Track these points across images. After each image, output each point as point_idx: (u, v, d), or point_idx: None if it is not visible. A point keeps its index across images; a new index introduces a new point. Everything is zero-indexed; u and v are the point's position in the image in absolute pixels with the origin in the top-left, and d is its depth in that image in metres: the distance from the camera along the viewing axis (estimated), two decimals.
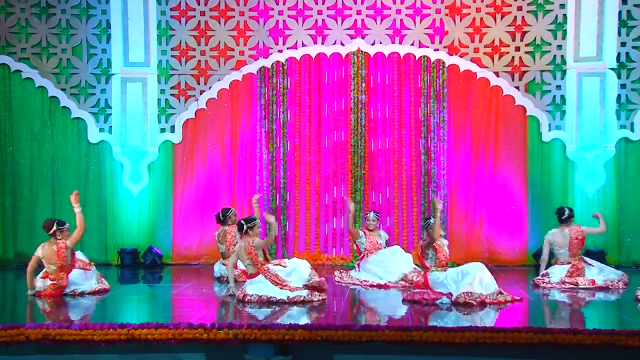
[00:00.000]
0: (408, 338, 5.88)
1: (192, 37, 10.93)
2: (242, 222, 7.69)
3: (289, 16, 10.88)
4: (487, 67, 10.67)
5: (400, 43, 10.79)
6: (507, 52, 10.65)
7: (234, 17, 10.92)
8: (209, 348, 6.08)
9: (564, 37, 10.55)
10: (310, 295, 7.35)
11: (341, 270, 9.43)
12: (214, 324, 6.00)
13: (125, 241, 10.73)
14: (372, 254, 9.07)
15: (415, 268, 8.72)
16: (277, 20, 10.89)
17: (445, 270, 7.50)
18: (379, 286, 8.54)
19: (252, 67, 10.90)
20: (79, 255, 8.19)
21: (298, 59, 10.88)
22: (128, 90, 10.89)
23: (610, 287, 8.27)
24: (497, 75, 10.65)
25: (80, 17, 10.88)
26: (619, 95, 10.40)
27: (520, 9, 10.62)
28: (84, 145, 10.93)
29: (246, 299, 7.39)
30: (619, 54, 10.37)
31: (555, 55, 10.58)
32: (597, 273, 8.46)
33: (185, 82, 10.95)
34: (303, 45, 10.88)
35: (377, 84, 10.88)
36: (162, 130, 10.95)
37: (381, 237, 9.30)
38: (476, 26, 10.71)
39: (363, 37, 10.83)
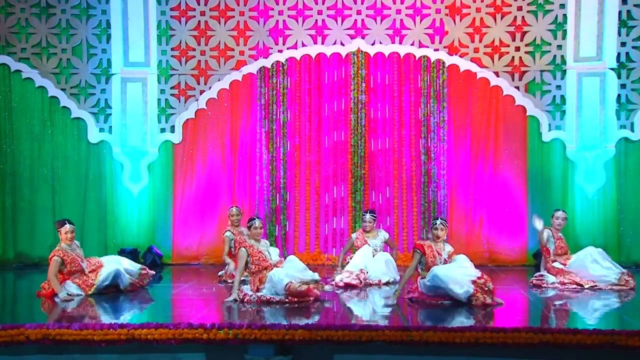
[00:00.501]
0: (408, 338, 5.87)
1: (192, 37, 10.93)
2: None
3: (289, 16, 10.88)
4: (487, 67, 10.67)
5: (400, 43, 10.79)
6: (507, 52, 10.66)
7: (234, 17, 10.92)
8: (209, 348, 6.07)
9: (564, 37, 10.55)
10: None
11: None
12: (214, 324, 6.00)
13: (125, 241, 10.73)
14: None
15: None
16: (277, 20, 10.89)
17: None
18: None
19: (252, 67, 10.90)
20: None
21: (298, 59, 10.88)
22: (128, 90, 10.89)
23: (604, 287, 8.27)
24: (497, 75, 10.65)
25: (80, 17, 10.88)
26: (619, 95, 10.40)
27: (520, 9, 10.63)
28: (84, 145, 10.93)
29: (245, 299, 7.40)
30: (619, 54, 10.38)
31: (555, 55, 10.58)
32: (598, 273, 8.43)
33: (185, 82, 10.95)
34: (303, 45, 10.88)
35: (377, 84, 10.88)
36: (162, 130, 10.95)
37: (377, 239, 9.14)
38: (476, 26, 10.71)
39: (363, 37, 10.83)
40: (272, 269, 7.52)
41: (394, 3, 10.79)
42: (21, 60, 10.82)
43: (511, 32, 10.66)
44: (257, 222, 7.77)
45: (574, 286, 8.33)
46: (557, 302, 7.75)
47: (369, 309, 7.49)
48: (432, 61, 10.72)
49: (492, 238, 10.63)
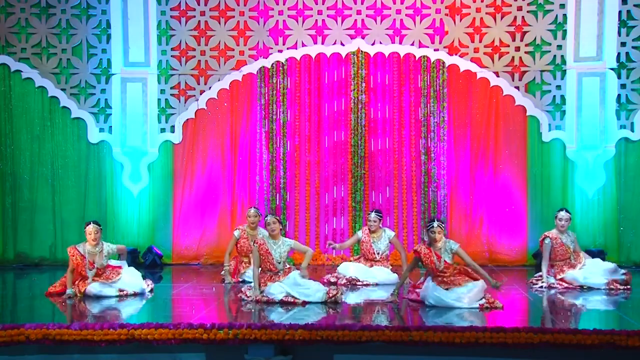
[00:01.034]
0: (408, 338, 5.88)
1: (192, 37, 10.93)
2: None
3: (289, 16, 10.88)
4: (487, 67, 10.67)
5: (400, 43, 10.79)
6: (507, 52, 10.65)
7: (234, 17, 10.91)
8: (209, 348, 6.07)
9: (564, 37, 10.55)
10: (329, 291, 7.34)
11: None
12: (214, 324, 6.00)
13: (125, 241, 10.68)
14: (367, 260, 8.94)
15: None
16: (277, 20, 10.89)
17: (435, 283, 7.23)
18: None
19: (252, 67, 10.90)
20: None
21: (298, 59, 10.88)
22: (128, 90, 10.89)
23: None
24: (497, 75, 10.65)
25: (80, 17, 10.88)
26: (619, 95, 10.40)
27: (520, 9, 10.62)
28: (84, 145, 10.93)
29: (245, 297, 7.42)
30: (619, 54, 10.37)
31: (555, 55, 10.58)
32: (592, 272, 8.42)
33: (185, 82, 10.95)
34: (303, 45, 10.88)
35: (377, 84, 10.88)
36: (162, 130, 10.95)
37: (382, 240, 8.97)
38: (476, 26, 10.71)
39: (363, 37, 10.83)
40: (278, 275, 7.46)
41: (394, 3, 10.79)
42: (21, 60, 10.83)
43: (511, 32, 10.66)
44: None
45: (572, 286, 8.34)
46: (559, 302, 7.75)
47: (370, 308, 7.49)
48: (432, 61, 10.71)
49: (492, 238, 10.63)
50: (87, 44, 10.89)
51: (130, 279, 7.97)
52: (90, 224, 7.87)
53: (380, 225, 9.09)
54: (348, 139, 10.84)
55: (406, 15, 10.78)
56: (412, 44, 10.76)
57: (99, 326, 6.04)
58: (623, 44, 10.38)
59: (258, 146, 10.92)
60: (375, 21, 10.82)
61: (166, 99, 10.95)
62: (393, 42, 10.81)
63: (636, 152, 10.42)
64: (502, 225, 10.63)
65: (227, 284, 8.76)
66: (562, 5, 10.52)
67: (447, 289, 7.11)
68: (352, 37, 10.85)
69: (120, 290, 7.80)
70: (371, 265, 8.88)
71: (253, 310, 7.08)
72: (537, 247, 10.46)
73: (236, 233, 9.09)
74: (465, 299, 7.02)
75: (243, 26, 10.93)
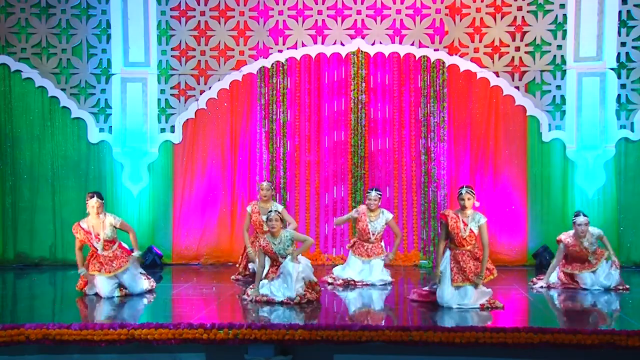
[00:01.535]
0: (408, 338, 5.88)
1: (192, 37, 10.93)
2: None
3: (289, 16, 10.88)
4: (487, 67, 10.67)
5: (400, 43, 10.79)
6: (507, 52, 10.65)
7: (234, 17, 10.91)
8: (209, 348, 6.08)
9: (564, 37, 10.55)
10: (305, 296, 7.32)
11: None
12: (214, 324, 6.00)
13: (125, 241, 10.69)
14: (361, 240, 8.88)
15: None
16: (277, 20, 10.89)
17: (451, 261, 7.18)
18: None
19: (252, 67, 10.90)
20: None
21: (298, 59, 10.88)
22: (128, 90, 10.89)
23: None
24: (497, 75, 10.65)
25: (80, 17, 10.88)
26: (619, 95, 10.40)
27: (520, 9, 10.62)
28: (84, 145, 10.92)
29: (246, 297, 7.43)
30: (619, 54, 10.37)
31: (555, 55, 10.58)
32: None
33: (185, 82, 10.95)
34: (303, 45, 10.88)
35: (377, 84, 10.88)
36: (162, 130, 10.95)
37: (379, 221, 8.82)
38: (476, 26, 10.71)
39: (363, 37, 10.83)
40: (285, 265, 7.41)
41: (394, 3, 10.79)
42: (21, 60, 10.82)
43: (511, 32, 10.66)
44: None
45: (573, 285, 8.34)
46: (562, 302, 7.75)
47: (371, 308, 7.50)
48: (432, 61, 10.71)
49: (492, 238, 10.58)
50: (87, 44, 10.89)
51: (133, 281, 7.96)
52: (93, 197, 7.84)
53: (380, 204, 8.96)
54: (348, 139, 10.84)
55: (406, 15, 10.78)
56: (412, 44, 10.76)
57: (99, 326, 6.05)
58: (623, 44, 10.38)
59: (258, 146, 10.92)
60: (375, 21, 10.82)
61: (166, 99, 10.95)
62: (393, 42, 10.81)
63: (636, 152, 10.42)
64: (502, 225, 10.63)
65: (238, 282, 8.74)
66: (562, 5, 10.52)
67: (457, 287, 7.08)
68: (352, 37, 10.85)
69: (121, 289, 7.81)
70: (367, 256, 8.79)
71: (251, 310, 7.09)
72: (537, 247, 10.50)
73: (249, 209, 9.04)
74: (471, 300, 7.06)
75: (243, 26, 10.93)
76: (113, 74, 10.90)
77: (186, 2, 10.91)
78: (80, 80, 10.88)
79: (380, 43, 10.81)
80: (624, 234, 10.35)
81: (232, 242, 10.86)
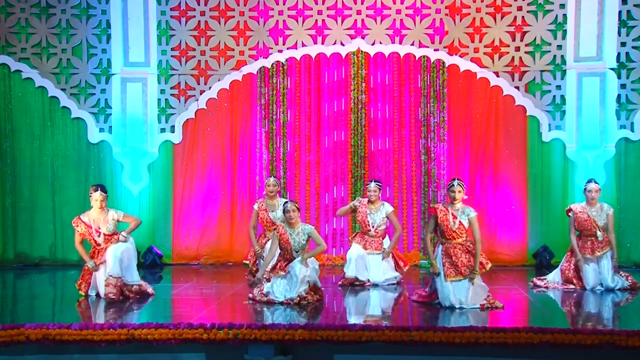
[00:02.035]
0: (408, 338, 5.88)
1: (192, 37, 10.93)
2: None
3: (289, 16, 10.88)
4: (487, 67, 10.67)
5: (400, 43, 10.79)
6: (507, 52, 10.65)
7: (234, 17, 10.92)
8: (209, 348, 6.07)
9: (564, 37, 10.55)
10: (305, 298, 7.30)
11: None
12: (214, 324, 6.00)
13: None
14: (362, 232, 8.82)
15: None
16: (277, 20, 10.89)
17: (442, 254, 7.15)
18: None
19: (252, 67, 10.90)
20: None
21: (298, 59, 10.88)
22: (128, 90, 10.89)
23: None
24: (497, 75, 10.65)
25: (80, 17, 10.88)
26: (619, 95, 10.40)
27: (520, 9, 10.62)
28: (84, 145, 10.92)
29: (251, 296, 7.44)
30: (619, 54, 10.37)
31: (555, 55, 10.58)
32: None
33: (185, 82, 10.95)
34: (303, 45, 10.88)
35: (377, 84, 10.87)
36: (162, 130, 10.95)
37: (379, 213, 8.77)
38: (476, 26, 10.71)
39: (363, 37, 10.83)
40: (294, 265, 7.36)
41: (394, 3, 10.79)
42: (21, 60, 10.82)
43: (511, 32, 10.66)
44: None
45: (572, 287, 8.32)
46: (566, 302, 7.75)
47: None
48: (432, 61, 10.71)
49: (492, 238, 10.62)
50: (87, 44, 10.89)
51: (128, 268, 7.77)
52: (97, 190, 7.76)
53: (380, 196, 8.91)
54: (348, 139, 10.84)
55: (406, 15, 10.78)
56: (412, 44, 10.77)
57: (99, 326, 6.05)
58: (623, 44, 10.38)
59: (258, 146, 10.92)
60: (375, 21, 10.82)
61: (166, 99, 10.95)
62: (393, 42, 10.81)
63: (636, 152, 10.42)
64: (502, 225, 10.63)
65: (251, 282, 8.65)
66: (562, 5, 10.53)
67: (453, 281, 7.04)
68: (352, 37, 10.85)
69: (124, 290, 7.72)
70: (364, 248, 8.72)
71: (252, 310, 7.09)
72: (537, 247, 10.50)
73: (255, 206, 8.94)
74: (469, 295, 7.01)
75: (243, 26, 10.93)
76: (113, 74, 10.90)
77: (186, 2, 10.91)
78: (80, 80, 10.88)
79: (380, 43, 10.81)
80: (624, 234, 10.34)
81: (232, 242, 10.87)
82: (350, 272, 8.62)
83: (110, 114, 10.90)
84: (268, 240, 8.55)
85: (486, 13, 10.68)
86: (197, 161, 10.93)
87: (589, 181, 8.49)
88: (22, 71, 10.82)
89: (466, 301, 7.00)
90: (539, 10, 10.60)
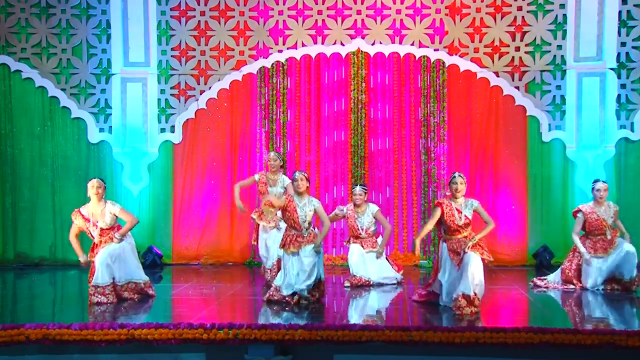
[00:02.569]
0: (408, 338, 5.88)
1: (192, 37, 10.93)
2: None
3: (289, 16, 10.88)
4: (487, 67, 10.67)
5: (400, 43, 10.79)
6: (507, 52, 10.66)
7: (234, 17, 10.92)
8: (209, 348, 6.08)
9: (564, 37, 10.55)
10: (307, 297, 7.29)
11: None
12: (214, 324, 6.00)
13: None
14: (354, 237, 8.83)
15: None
16: (277, 20, 10.89)
17: (448, 249, 7.07)
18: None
19: (252, 67, 10.90)
20: None
21: (298, 59, 10.88)
22: (128, 90, 10.89)
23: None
24: (497, 75, 10.65)
25: (80, 17, 10.88)
26: (619, 95, 10.41)
27: (520, 9, 10.63)
28: (84, 145, 10.93)
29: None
30: (619, 54, 10.38)
31: (555, 55, 10.58)
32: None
33: (185, 82, 10.95)
34: (303, 45, 10.88)
35: (377, 84, 10.88)
36: (162, 130, 10.96)
37: (366, 215, 8.80)
38: (476, 26, 10.71)
39: (363, 37, 10.83)
40: (302, 236, 7.36)
41: (394, 3, 10.79)
42: (21, 60, 10.83)
43: (511, 32, 10.66)
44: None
45: (572, 287, 8.32)
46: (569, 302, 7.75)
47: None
48: (432, 61, 10.71)
49: (492, 238, 10.59)
50: (87, 44, 10.89)
51: (129, 267, 7.67)
52: (93, 178, 7.72)
53: (365, 199, 8.91)
54: (348, 139, 10.84)
55: (406, 15, 10.78)
56: (412, 44, 10.77)
57: (99, 326, 6.04)
58: (623, 44, 10.38)
59: (258, 146, 10.92)
60: (375, 21, 10.82)
61: (166, 99, 10.95)
62: (393, 42, 10.81)
63: (636, 152, 10.42)
64: (502, 225, 10.62)
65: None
66: (562, 5, 10.53)
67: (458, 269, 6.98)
68: (352, 37, 10.85)
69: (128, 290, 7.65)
70: (362, 246, 8.73)
71: (253, 310, 7.09)
72: (537, 247, 10.49)
73: (256, 176, 8.93)
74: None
75: (243, 26, 10.93)
76: (113, 74, 10.90)
77: (186, 2, 10.92)
78: (80, 80, 10.89)
79: (380, 43, 10.81)
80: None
81: (232, 242, 10.87)
82: (356, 271, 8.62)
83: (110, 114, 10.90)
84: (261, 212, 8.56)
85: (486, 13, 10.69)
86: (197, 161, 10.93)
87: (596, 181, 8.52)
88: (22, 71, 10.82)
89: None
90: (539, 10, 10.60)
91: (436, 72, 10.71)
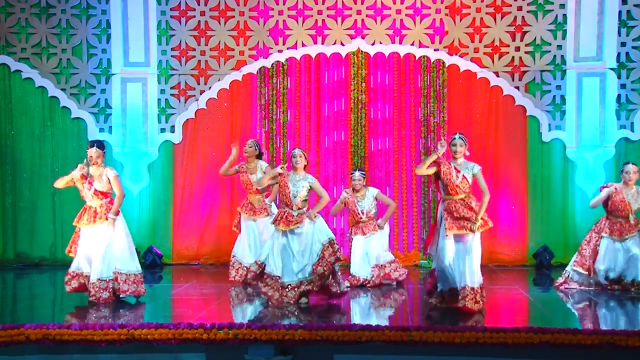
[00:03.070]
0: (408, 338, 5.88)
1: (192, 37, 10.93)
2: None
3: (289, 16, 10.88)
4: (487, 67, 10.67)
5: (400, 43, 10.79)
6: (507, 52, 10.65)
7: (234, 17, 10.92)
8: (209, 348, 6.08)
9: (564, 37, 10.55)
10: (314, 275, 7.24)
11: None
12: (214, 324, 6.00)
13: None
14: (356, 224, 8.78)
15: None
16: (277, 20, 10.89)
17: (445, 212, 6.95)
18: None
19: (252, 67, 10.90)
20: None
21: (298, 59, 10.88)
22: (128, 90, 10.89)
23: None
24: (497, 75, 10.65)
25: (80, 17, 10.88)
26: (619, 95, 10.41)
27: (520, 9, 10.62)
28: (84, 145, 10.90)
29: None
30: (619, 54, 10.38)
31: (555, 55, 10.58)
32: None
33: (185, 82, 10.95)
34: (303, 45, 10.87)
35: (377, 84, 10.87)
36: (162, 130, 10.96)
37: (366, 199, 8.75)
38: (476, 26, 10.71)
39: (363, 37, 10.83)
40: (293, 215, 7.30)
41: (394, 3, 10.79)
42: (21, 60, 10.83)
43: (511, 32, 10.66)
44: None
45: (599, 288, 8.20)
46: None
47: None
48: (432, 61, 10.71)
49: (492, 238, 10.60)
50: (87, 44, 10.89)
51: (121, 254, 7.53)
52: (93, 146, 7.68)
53: (364, 184, 8.88)
54: (348, 139, 10.84)
55: (406, 15, 10.78)
56: (412, 44, 10.76)
57: (99, 326, 6.05)
58: (623, 44, 10.38)
59: None
60: (375, 21, 10.82)
61: (166, 99, 10.95)
62: (393, 42, 10.81)
63: (636, 152, 10.40)
64: (502, 225, 10.62)
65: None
66: (562, 5, 10.53)
67: (454, 238, 6.88)
68: (352, 37, 10.85)
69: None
70: (363, 233, 8.70)
71: (253, 310, 7.09)
72: (537, 247, 10.49)
73: (236, 167, 8.94)
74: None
75: (243, 26, 10.93)
76: (113, 74, 10.90)
77: (186, 2, 10.92)
78: (80, 80, 10.89)
79: (380, 43, 10.81)
80: None
81: (232, 242, 10.82)
82: (355, 271, 8.62)
83: (110, 114, 10.90)
84: (249, 202, 8.75)
85: (486, 13, 10.68)
86: (197, 161, 10.93)
87: (627, 163, 8.39)
88: (22, 71, 10.82)
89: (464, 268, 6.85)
90: (539, 10, 10.60)
91: (436, 72, 10.71)
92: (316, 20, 10.86)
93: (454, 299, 6.84)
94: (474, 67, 10.69)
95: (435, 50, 10.71)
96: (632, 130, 10.37)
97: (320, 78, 10.92)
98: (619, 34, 10.36)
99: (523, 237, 10.60)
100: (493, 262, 10.39)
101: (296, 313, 6.83)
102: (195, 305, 7.71)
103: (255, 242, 8.75)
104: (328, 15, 10.86)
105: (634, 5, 10.36)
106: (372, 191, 8.84)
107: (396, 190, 10.80)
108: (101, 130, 10.91)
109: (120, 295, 7.48)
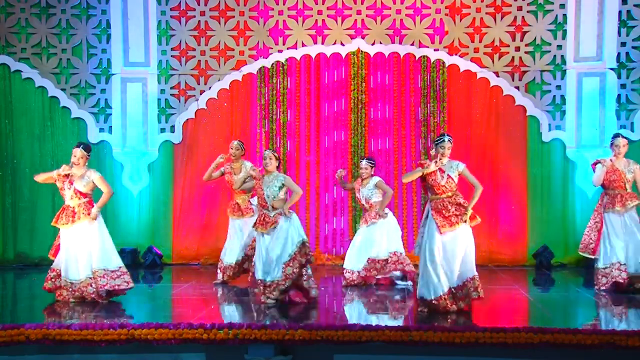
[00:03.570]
0: (408, 338, 5.88)
1: (192, 37, 10.93)
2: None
3: (289, 16, 10.88)
4: (487, 67, 10.67)
5: (400, 43, 10.79)
6: (507, 52, 10.66)
7: (234, 17, 10.92)
8: (209, 348, 6.08)
9: (564, 37, 10.55)
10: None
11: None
12: (214, 324, 6.00)
13: (125, 241, 10.69)
14: (367, 215, 8.75)
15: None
16: (277, 20, 10.89)
17: (432, 211, 6.95)
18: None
19: (252, 67, 10.90)
20: None
21: (298, 59, 10.88)
22: (128, 90, 10.90)
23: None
24: (497, 75, 10.65)
25: (80, 17, 10.88)
26: (619, 95, 10.41)
27: (520, 9, 10.63)
28: None
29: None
30: (619, 54, 10.38)
31: (555, 55, 10.58)
32: None
33: (185, 82, 10.95)
34: (303, 45, 10.88)
35: (377, 84, 10.88)
36: (162, 130, 10.96)
37: (369, 185, 8.72)
38: (476, 26, 10.71)
39: (363, 37, 10.83)
40: (269, 216, 7.36)
41: (394, 3, 10.79)
42: (21, 60, 10.83)
43: (511, 32, 10.66)
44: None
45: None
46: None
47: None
48: (432, 61, 10.71)
49: (492, 238, 10.62)
50: (87, 44, 10.89)
51: (102, 252, 7.52)
52: (79, 147, 7.55)
53: (372, 173, 8.82)
54: (348, 139, 10.84)
55: (406, 15, 10.78)
56: (412, 44, 10.77)
57: (99, 326, 6.05)
58: (623, 44, 10.38)
59: (258, 146, 10.92)
60: (375, 21, 10.82)
61: (166, 99, 10.96)
62: (393, 42, 10.81)
63: (636, 152, 10.38)
64: (502, 225, 10.62)
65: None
66: (562, 5, 10.53)
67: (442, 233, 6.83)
68: (352, 37, 10.85)
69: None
70: (365, 222, 8.71)
71: (253, 310, 7.08)
72: (537, 247, 10.48)
73: (222, 169, 8.93)
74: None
75: (243, 26, 10.93)
76: (113, 74, 10.90)
77: (186, 2, 10.92)
78: (80, 80, 10.89)
79: (380, 43, 10.81)
80: None
81: None
82: (345, 264, 8.66)
83: (110, 114, 10.91)
84: (235, 202, 8.90)
85: (486, 13, 10.69)
86: (197, 161, 10.92)
87: (616, 136, 8.37)
88: (22, 71, 10.82)
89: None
90: (539, 10, 10.60)
91: (436, 72, 10.71)
92: (316, 20, 10.86)
93: (455, 299, 6.82)
94: (474, 67, 10.69)
95: (435, 50, 10.72)
96: (632, 130, 10.36)
97: (320, 78, 10.92)
98: (619, 34, 10.36)
99: (523, 237, 10.60)
100: (493, 262, 10.39)
101: (288, 312, 6.84)
102: (195, 305, 7.71)
103: (240, 242, 8.76)
104: (328, 15, 10.86)
105: (634, 5, 10.36)
106: (374, 180, 8.80)
107: (396, 190, 10.78)
108: (101, 130, 10.91)
109: (107, 295, 7.51)
